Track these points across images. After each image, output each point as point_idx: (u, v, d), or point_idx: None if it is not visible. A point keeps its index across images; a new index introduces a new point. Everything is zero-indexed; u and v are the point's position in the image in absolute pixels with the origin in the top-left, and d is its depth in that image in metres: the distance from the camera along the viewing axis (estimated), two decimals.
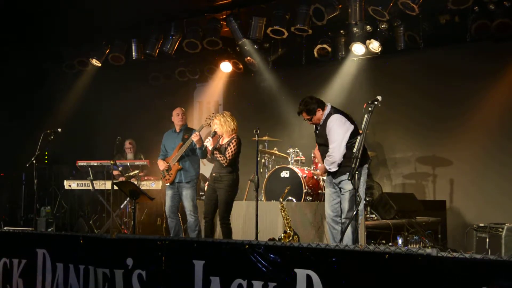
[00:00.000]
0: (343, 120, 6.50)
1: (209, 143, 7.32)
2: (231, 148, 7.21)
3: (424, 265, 3.95)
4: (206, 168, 8.61)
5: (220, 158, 7.18)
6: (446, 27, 9.29)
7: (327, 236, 6.94)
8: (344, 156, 6.38)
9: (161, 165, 8.21)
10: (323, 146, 6.60)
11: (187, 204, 8.04)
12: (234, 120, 7.42)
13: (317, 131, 6.70)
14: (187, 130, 8.18)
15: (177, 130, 8.35)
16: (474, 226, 7.68)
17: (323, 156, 6.63)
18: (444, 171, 9.59)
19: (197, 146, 7.52)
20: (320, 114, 6.55)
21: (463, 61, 9.43)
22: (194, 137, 7.45)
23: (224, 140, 7.37)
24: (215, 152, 7.19)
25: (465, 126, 9.30)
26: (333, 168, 6.45)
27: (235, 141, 7.27)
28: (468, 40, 8.92)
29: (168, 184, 8.20)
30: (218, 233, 7.99)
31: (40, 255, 6.10)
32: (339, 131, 6.42)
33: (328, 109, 6.59)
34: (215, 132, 7.34)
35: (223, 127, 7.33)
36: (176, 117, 8.39)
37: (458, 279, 3.82)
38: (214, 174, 7.36)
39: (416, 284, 4.00)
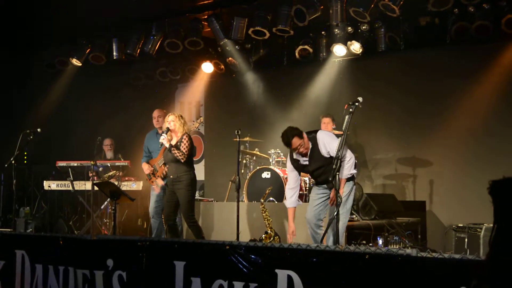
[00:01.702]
0: (327, 131, 6.77)
1: (165, 141, 7.31)
2: (184, 144, 7.29)
3: (404, 265, 3.98)
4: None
5: (177, 154, 7.22)
6: (426, 28, 9.35)
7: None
8: None
9: (146, 168, 8.19)
10: (321, 168, 6.49)
11: None
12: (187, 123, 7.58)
13: (307, 159, 6.52)
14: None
15: (159, 132, 8.34)
16: (453, 226, 7.74)
17: (324, 174, 6.49)
18: (424, 172, 9.66)
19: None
20: (306, 140, 6.41)
21: (443, 63, 9.50)
22: (161, 139, 7.39)
23: (174, 140, 7.42)
24: (172, 149, 7.24)
25: (445, 128, 9.35)
26: (353, 170, 6.45)
27: (186, 136, 7.35)
28: (448, 42, 8.98)
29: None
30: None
31: (19, 256, 6.05)
32: (333, 139, 6.40)
33: (305, 135, 6.47)
34: (168, 129, 7.38)
35: (182, 127, 7.40)
36: (153, 120, 8.43)
37: (437, 278, 3.85)
38: (171, 177, 7.40)
39: (397, 284, 4.03)
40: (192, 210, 7.39)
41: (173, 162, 7.36)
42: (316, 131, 6.53)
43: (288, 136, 6.29)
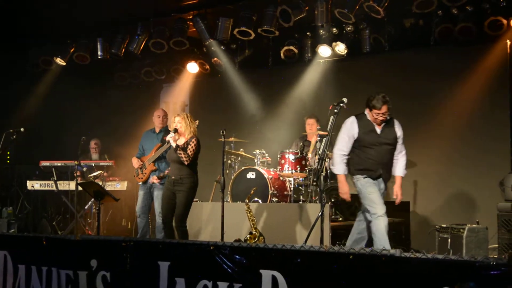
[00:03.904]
0: None
1: (171, 139, 7.11)
2: (191, 147, 7.08)
3: (388, 265, 4.00)
4: None
5: (182, 156, 7.00)
6: (410, 30, 9.40)
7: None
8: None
9: (135, 163, 8.16)
10: (388, 146, 6.49)
11: (158, 205, 8.01)
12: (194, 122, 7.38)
13: (380, 129, 6.47)
14: (167, 132, 8.13)
15: (157, 131, 8.32)
16: (437, 227, 7.80)
17: (387, 156, 6.51)
18: (408, 172, 9.61)
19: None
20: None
21: (427, 64, 9.55)
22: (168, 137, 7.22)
23: (181, 140, 7.23)
24: (178, 150, 7.02)
25: (430, 128, 9.40)
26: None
27: (195, 139, 7.14)
28: (432, 43, 9.06)
29: (141, 183, 8.16)
30: None
31: (1, 257, 6.01)
32: None
33: None
34: (176, 130, 7.19)
35: (189, 128, 7.20)
36: (157, 119, 8.40)
37: (421, 279, 3.88)
38: (173, 177, 7.15)
39: (381, 284, 4.05)
40: (186, 214, 7.16)
41: (176, 163, 7.12)
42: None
43: (385, 100, 6.32)
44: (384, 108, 6.29)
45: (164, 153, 7.84)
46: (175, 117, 7.31)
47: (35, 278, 5.76)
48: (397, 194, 6.56)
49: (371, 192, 6.38)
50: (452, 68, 9.35)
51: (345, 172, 6.52)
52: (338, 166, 6.50)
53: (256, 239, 7.45)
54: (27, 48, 11.21)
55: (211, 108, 11.48)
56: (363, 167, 6.42)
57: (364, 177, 6.41)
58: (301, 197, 8.56)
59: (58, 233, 9.80)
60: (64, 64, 10.87)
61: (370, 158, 6.41)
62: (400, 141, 6.55)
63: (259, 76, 11.07)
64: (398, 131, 6.53)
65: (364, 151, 6.43)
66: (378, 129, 6.44)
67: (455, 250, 7.10)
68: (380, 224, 6.24)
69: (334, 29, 9.57)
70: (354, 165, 6.50)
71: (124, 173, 9.78)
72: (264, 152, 9.10)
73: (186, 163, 7.04)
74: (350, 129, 6.46)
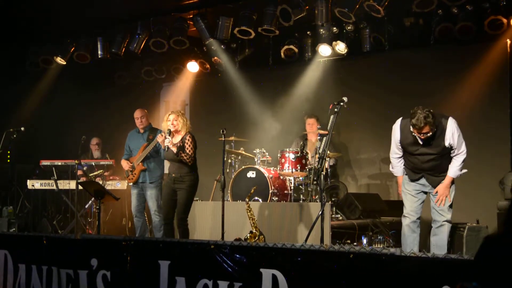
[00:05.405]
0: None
1: (170, 144, 7.00)
2: (188, 145, 7.05)
3: (388, 264, 4.01)
4: None
5: (184, 158, 6.98)
6: (410, 29, 9.41)
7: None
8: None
9: (125, 165, 8.17)
10: (432, 155, 6.09)
11: (152, 204, 8.01)
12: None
13: (425, 141, 6.02)
14: (152, 130, 8.15)
15: (141, 131, 8.30)
16: None
17: (431, 163, 6.13)
18: None
19: (162, 147, 7.25)
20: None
21: (427, 63, 9.55)
22: (159, 138, 7.16)
23: (176, 138, 7.18)
24: (180, 152, 6.98)
25: None
26: (464, 170, 6.23)
27: (189, 136, 7.11)
28: (432, 42, 9.06)
29: (132, 183, 8.16)
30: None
31: (2, 256, 6.02)
32: (461, 135, 6.07)
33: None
34: (170, 131, 7.13)
35: (185, 124, 7.18)
36: (136, 121, 8.34)
37: (421, 277, 3.88)
38: (173, 175, 7.12)
39: (381, 282, 4.05)
40: (187, 212, 7.17)
41: (175, 161, 7.09)
42: (447, 117, 6.09)
43: (427, 121, 5.82)
44: (425, 129, 5.85)
45: (152, 152, 7.88)
46: (169, 115, 7.22)
47: (35, 277, 5.76)
48: (436, 191, 6.19)
49: (405, 189, 6.36)
50: (452, 67, 9.35)
51: (401, 173, 6.43)
52: (394, 169, 6.49)
53: (256, 238, 7.45)
54: (27, 47, 11.20)
55: (211, 107, 11.48)
56: (406, 167, 6.36)
57: (405, 174, 6.38)
58: (301, 196, 8.56)
59: (59, 232, 9.79)
60: (64, 63, 10.87)
61: (412, 163, 6.27)
62: (454, 146, 6.01)
63: (259, 75, 11.07)
64: (448, 139, 5.99)
65: (408, 156, 6.28)
66: (420, 140, 6.01)
67: (456, 249, 7.10)
68: (403, 223, 6.35)
69: (334, 28, 9.57)
70: (403, 162, 6.43)
71: (125, 172, 9.79)
72: (264, 151, 9.10)
73: (190, 163, 7.05)
74: (393, 134, 6.32)
